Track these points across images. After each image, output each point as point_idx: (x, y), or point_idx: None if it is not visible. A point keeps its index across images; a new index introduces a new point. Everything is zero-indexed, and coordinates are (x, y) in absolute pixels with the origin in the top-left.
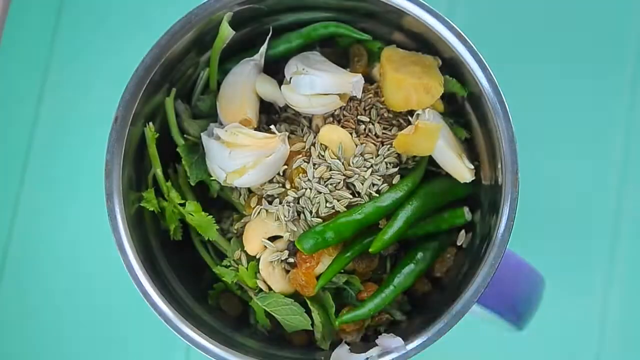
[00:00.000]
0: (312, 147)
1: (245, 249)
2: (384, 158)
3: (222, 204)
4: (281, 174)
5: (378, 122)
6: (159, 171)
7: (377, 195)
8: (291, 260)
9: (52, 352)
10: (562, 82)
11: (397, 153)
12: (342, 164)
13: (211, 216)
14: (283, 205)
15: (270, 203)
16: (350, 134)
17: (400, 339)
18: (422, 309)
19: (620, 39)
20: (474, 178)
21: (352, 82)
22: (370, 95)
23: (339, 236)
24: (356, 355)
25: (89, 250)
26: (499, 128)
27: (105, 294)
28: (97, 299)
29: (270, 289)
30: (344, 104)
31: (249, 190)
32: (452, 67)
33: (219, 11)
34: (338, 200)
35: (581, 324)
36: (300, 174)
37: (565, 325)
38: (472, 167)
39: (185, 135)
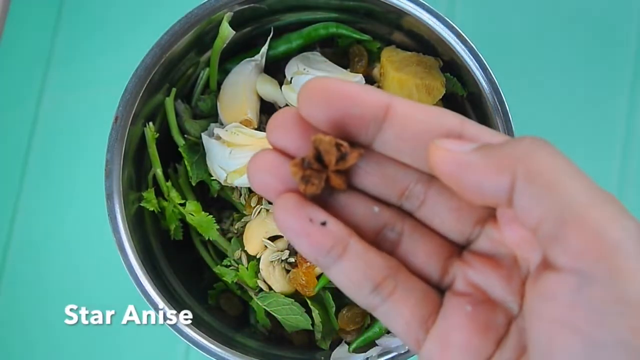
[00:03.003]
0: None
1: (245, 248)
2: None
3: (222, 204)
4: None
5: None
6: (159, 171)
7: None
8: (291, 260)
9: (52, 351)
10: (562, 82)
11: None
12: None
13: (211, 216)
14: None
15: (270, 202)
16: None
17: None
18: None
19: (620, 39)
20: None
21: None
22: None
23: None
24: (356, 355)
25: (89, 250)
26: (498, 128)
27: (105, 294)
28: (97, 299)
29: (270, 288)
30: None
31: (249, 189)
32: (452, 67)
33: (219, 11)
34: None
35: None
36: None
37: None
38: None
39: (185, 135)
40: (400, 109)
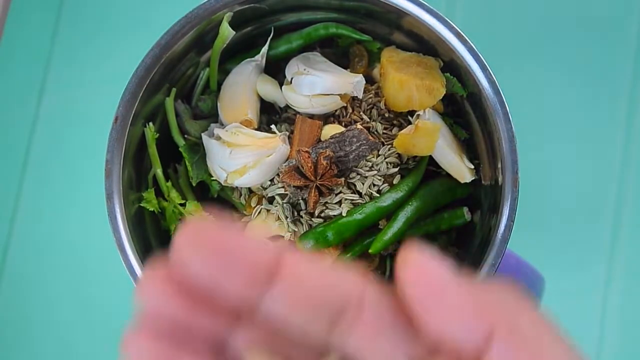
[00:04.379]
0: None
1: None
2: (385, 158)
3: (222, 204)
4: None
5: (379, 122)
6: (159, 171)
7: (378, 195)
8: None
9: (52, 351)
10: (562, 82)
11: (397, 153)
12: None
13: (211, 216)
14: (283, 205)
15: (270, 203)
16: None
17: None
18: None
19: (620, 39)
20: (474, 178)
21: (353, 82)
22: (371, 95)
23: (339, 236)
24: None
25: (89, 250)
26: (498, 128)
27: (105, 294)
28: (97, 299)
29: None
30: (345, 104)
31: (250, 190)
32: (452, 68)
33: (219, 11)
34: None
35: (581, 324)
36: None
37: (565, 325)
38: (472, 167)
39: (185, 136)
40: (294, 263)
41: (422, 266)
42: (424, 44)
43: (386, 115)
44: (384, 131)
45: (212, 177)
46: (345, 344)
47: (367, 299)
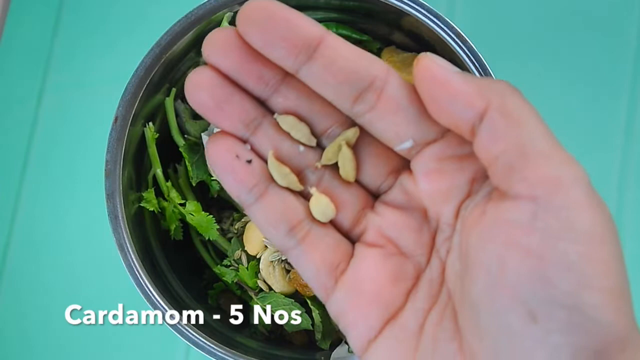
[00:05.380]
0: None
1: (245, 248)
2: None
3: (222, 204)
4: None
5: None
6: (159, 171)
7: None
8: None
9: (52, 351)
10: (562, 82)
11: None
12: None
13: (211, 216)
14: None
15: None
16: None
17: None
18: None
19: (620, 39)
20: None
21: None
22: None
23: None
24: (356, 355)
25: (89, 250)
26: None
27: (105, 294)
28: (96, 299)
29: (270, 288)
30: None
31: None
32: None
33: (219, 11)
34: None
35: None
36: None
37: None
38: None
39: (185, 136)
40: (333, 43)
41: (430, 63)
42: (424, 44)
43: None
44: None
45: (212, 177)
46: (365, 116)
47: (390, 83)
